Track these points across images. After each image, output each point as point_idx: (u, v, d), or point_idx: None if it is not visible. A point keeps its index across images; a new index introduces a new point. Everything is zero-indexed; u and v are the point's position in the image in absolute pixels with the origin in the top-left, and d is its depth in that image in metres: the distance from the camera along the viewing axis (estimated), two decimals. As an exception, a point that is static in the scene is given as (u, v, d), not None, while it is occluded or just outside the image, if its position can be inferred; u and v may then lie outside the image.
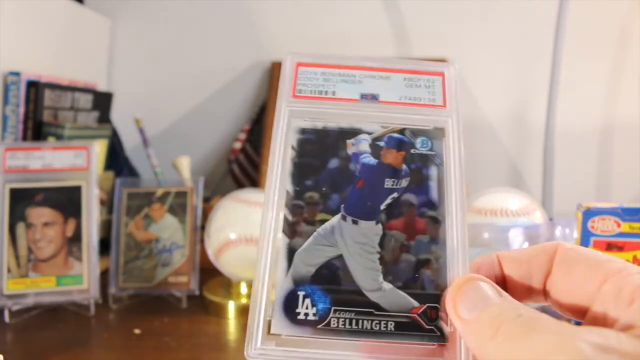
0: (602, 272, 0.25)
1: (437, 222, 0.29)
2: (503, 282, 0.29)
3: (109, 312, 0.72)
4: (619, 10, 1.06)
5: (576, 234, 0.67)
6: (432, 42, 1.09)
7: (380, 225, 0.29)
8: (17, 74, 0.81)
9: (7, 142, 0.81)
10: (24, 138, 0.83)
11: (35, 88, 0.82)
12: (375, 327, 0.27)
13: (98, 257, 0.72)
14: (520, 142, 1.11)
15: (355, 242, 0.29)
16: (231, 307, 0.71)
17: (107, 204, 0.93)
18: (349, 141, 0.31)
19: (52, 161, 0.72)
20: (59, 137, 0.83)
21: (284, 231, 0.29)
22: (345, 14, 1.11)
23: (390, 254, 0.29)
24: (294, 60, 0.34)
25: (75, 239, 0.71)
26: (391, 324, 0.27)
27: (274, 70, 1.07)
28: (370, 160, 0.31)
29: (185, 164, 0.90)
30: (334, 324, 0.27)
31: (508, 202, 0.75)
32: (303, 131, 0.32)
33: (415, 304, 0.28)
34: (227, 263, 0.72)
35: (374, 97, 0.33)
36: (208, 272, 0.78)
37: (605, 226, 0.65)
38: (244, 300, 0.72)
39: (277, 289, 0.28)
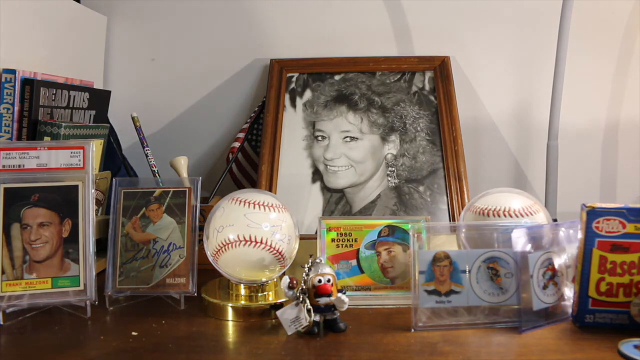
0: None
1: None
2: None
3: (105, 314, 0.71)
4: (623, 9, 1.06)
5: (580, 235, 0.66)
6: (435, 41, 1.09)
7: None
8: (12, 71, 0.80)
9: (2, 141, 0.80)
10: (19, 137, 0.82)
11: (30, 86, 0.81)
12: None
13: (94, 258, 0.71)
14: (524, 142, 1.11)
15: None
16: (230, 308, 0.70)
17: (104, 204, 0.92)
18: None
19: (47, 161, 0.71)
20: (54, 136, 0.82)
21: None
22: (346, 12, 1.10)
23: None
24: None
25: (71, 240, 0.70)
26: None
27: (273, 69, 1.06)
28: None
29: (183, 164, 0.89)
30: None
31: (511, 202, 0.74)
32: None
33: None
34: (226, 264, 0.71)
35: None
36: (206, 273, 0.77)
37: (610, 227, 0.64)
38: (243, 302, 0.72)
39: None
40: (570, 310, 0.68)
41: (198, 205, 0.77)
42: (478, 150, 1.10)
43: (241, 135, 1.05)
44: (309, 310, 0.63)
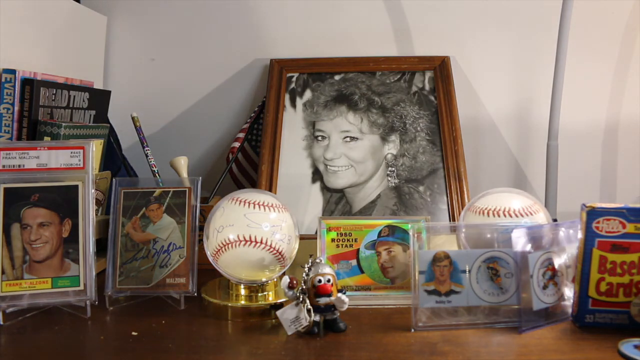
0: None
1: None
2: None
3: (105, 314, 0.71)
4: (623, 9, 1.06)
5: (580, 235, 0.66)
6: (435, 41, 1.09)
7: None
8: (12, 71, 0.80)
9: (2, 141, 0.80)
10: (19, 137, 0.81)
11: (30, 86, 0.81)
12: None
13: (94, 258, 0.71)
14: (524, 142, 1.11)
15: None
16: (230, 308, 0.70)
17: (104, 204, 0.92)
18: None
19: (47, 161, 0.71)
20: (54, 136, 0.82)
21: None
22: (346, 12, 1.10)
23: None
24: None
25: (71, 240, 0.70)
26: None
27: (273, 69, 1.06)
28: None
29: (183, 164, 0.89)
30: None
31: (511, 202, 0.74)
32: None
33: None
34: (225, 264, 0.71)
35: None
36: (206, 273, 0.77)
37: (610, 227, 0.64)
38: (243, 302, 0.72)
39: None
40: (570, 310, 0.68)
41: (198, 205, 0.77)
42: (478, 150, 1.10)
43: (241, 135, 1.05)
44: (309, 310, 0.63)
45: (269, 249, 0.69)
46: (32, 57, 0.88)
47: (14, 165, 0.70)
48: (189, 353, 0.61)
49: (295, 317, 0.64)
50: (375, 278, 0.74)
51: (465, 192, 0.92)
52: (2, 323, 0.67)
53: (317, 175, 0.96)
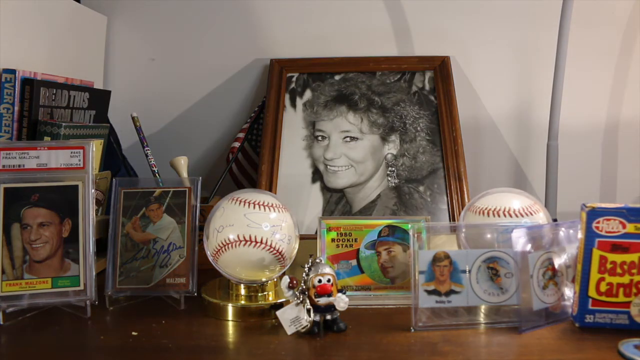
0: None
1: None
2: None
3: (105, 314, 0.71)
4: (623, 9, 1.06)
5: (580, 235, 0.66)
6: (435, 41, 1.09)
7: None
8: (12, 71, 0.80)
9: (2, 141, 0.80)
10: (19, 137, 0.81)
11: (30, 86, 0.81)
12: None
13: (94, 258, 0.71)
14: (524, 142, 1.11)
15: None
16: (230, 308, 0.70)
17: (104, 204, 0.92)
18: None
19: (47, 161, 0.71)
20: (54, 136, 0.82)
21: None
22: (346, 12, 1.10)
23: None
24: None
25: (71, 240, 0.70)
26: None
27: (273, 69, 1.06)
28: None
29: (183, 164, 0.89)
30: None
31: (511, 202, 0.74)
32: None
33: None
34: (226, 264, 0.71)
35: None
36: (206, 273, 0.77)
37: (610, 227, 0.64)
38: (243, 302, 0.72)
39: None
40: (570, 310, 0.68)
41: (198, 205, 0.77)
42: (478, 150, 1.10)
43: (241, 135, 1.05)
44: (308, 310, 0.63)
45: (269, 249, 0.69)
46: (32, 57, 0.88)
47: (14, 165, 0.70)
48: (189, 353, 0.61)
49: (295, 317, 0.64)
50: (375, 278, 0.74)
51: (465, 192, 0.92)
52: (2, 323, 0.67)
53: (317, 175, 0.96)
